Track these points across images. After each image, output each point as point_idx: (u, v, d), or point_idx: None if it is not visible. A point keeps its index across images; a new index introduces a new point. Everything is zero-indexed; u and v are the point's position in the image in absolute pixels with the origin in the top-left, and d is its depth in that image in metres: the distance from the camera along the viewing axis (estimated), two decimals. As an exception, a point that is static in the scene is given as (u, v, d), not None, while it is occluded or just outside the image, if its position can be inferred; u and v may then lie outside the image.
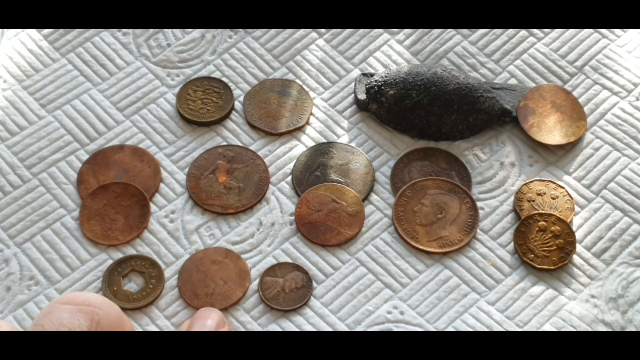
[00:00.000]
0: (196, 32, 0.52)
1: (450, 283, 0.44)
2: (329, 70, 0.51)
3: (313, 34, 0.52)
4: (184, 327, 0.41)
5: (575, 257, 0.45)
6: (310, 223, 0.46)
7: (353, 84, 0.51)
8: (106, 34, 0.52)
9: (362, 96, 0.49)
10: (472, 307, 0.44)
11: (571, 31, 0.52)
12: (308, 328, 0.43)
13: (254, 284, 0.44)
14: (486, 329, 0.43)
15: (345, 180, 0.47)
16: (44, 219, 0.46)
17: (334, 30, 0.52)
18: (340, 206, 0.46)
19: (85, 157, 0.48)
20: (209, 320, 0.41)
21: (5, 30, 0.52)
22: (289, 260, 0.45)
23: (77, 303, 0.32)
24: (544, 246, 0.45)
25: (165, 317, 0.44)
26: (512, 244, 0.45)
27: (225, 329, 0.41)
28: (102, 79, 0.51)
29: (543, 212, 0.46)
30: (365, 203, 0.47)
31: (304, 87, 0.50)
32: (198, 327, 0.40)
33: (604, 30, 0.52)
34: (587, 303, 0.44)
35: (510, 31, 0.52)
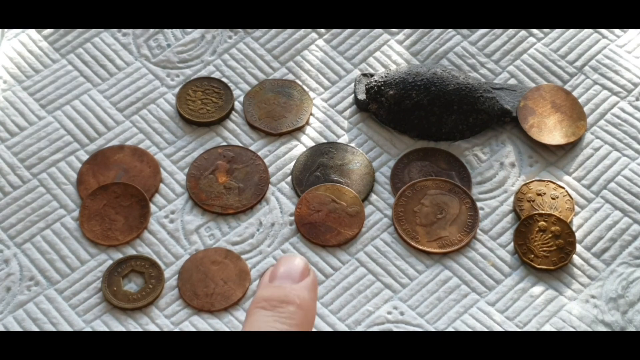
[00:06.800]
0: (196, 33, 0.52)
1: (450, 283, 0.44)
2: (329, 70, 0.51)
3: (313, 34, 0.52)
4: (266, 275, 0.37)
5: (575, 258, 0.45)
6: (310, 223, 0.46)
7: (353, 84, 0.51)
8: (106, 35, 0.52)
9: (362, 96, 0.49)
10: (472, 308, 0.44)
11: (571, 31, 0.52)
12: (308, 328, 0.43)
13: (254, 284, 0.44)
14: (486, 330, 0.43)
15: (345, 180, 0.47)
16: (44, 220, 0.46)
17: (334, 30, 0.52)
18: (340, 206, 0.46)
19: (85, 157, 0.48)
20: (297, 259, 0.37)
21: (6, 30, 0.52)
22: (289, 261, 0.45)
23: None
24: (544, 246, 0.45)
25: (165, 316, 0.44)
26: (512, 244, 0.45)
27: (311, 277, 0.37)
28: (102, 79, 0.51)
29: (543, 212, 0.46)
30: (365, 203, 0.47)
31: (304, 87, 0.50)
32: (285, 266, 0.36)
33: (604, 30, 0.52)
34: (587, 303, 0.44)
35: (510, 31, 0.52)
